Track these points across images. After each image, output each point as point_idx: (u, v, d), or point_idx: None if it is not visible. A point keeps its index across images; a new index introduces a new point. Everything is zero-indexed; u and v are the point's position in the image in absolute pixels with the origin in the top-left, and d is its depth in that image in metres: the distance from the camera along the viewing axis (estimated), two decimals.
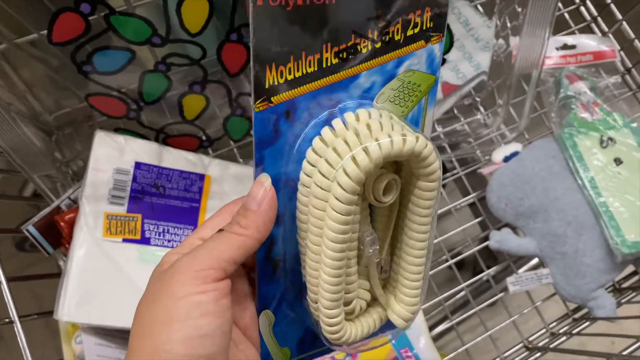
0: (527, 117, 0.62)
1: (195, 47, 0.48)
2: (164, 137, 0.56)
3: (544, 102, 0.65)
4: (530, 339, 0.60)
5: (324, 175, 0.26)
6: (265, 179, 0.27)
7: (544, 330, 0.61)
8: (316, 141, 0.27)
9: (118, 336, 0.50)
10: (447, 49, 0.55)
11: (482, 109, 0.67)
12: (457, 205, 0.67)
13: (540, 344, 0.59)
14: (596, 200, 0.57)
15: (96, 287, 0.48)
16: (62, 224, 0.52)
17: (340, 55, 0.27)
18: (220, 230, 0.27)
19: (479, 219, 0.65)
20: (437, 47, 0.29)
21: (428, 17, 0.28)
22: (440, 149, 0.66)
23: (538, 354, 0.57)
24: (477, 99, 0.66)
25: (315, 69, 0.26)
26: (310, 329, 0.32)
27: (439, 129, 0.66)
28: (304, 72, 0.26)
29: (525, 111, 0.62)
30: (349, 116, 0.27)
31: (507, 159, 0.60)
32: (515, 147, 0.61)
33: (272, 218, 0.27)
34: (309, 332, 0.33)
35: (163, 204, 0.53)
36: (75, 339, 0.49)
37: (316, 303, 0.29)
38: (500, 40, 0.61)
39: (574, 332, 0.58)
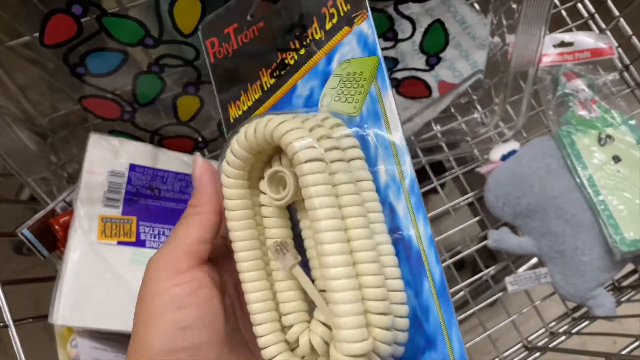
0: (525, 115, 0.62)
1: (189, 48, 0.47)
2: (159, 139, 0.56)
3: (542, 100, 0.65)
4: (530, 338, 0.60)
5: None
6: (198, 157, 0.29)
7: (543, 330, 0.60)
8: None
9: (114, 339, 0.50)
10: (442, 47, 0.55)
11: (479, 107, 0.66)
12: (456, 205, 0.66)
13: (540, 344, 0.59)
14: (595, 198, 0.56)
15: (91, 290, 0.48)
16: (56, 227, 0.52)
17: (274, 74, 0.29)
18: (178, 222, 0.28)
19: (477, 218, 0.65)
20: (364, 26, 0.26)
21: (342, 1, 0.26)
22: (438, 148, 0.66)
23: (537, 354, 0.57)
24: (474, 98, 0.66)
25: (260, 93, 0.29)
26: None
27: (437, 127, 0.66)
28: (253, 99, 0.29)
29: (522, 109, 0.62)
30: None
31: (504, 158, 0.60)
32: (513, 145, 0.60)
33: (217, 190, 0.28)
34: None
35: (158, 206, 0.53)
36: (71, 343, 0.49)
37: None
38: (496, 38, 0.60)
39: (573, 331, 0.57)
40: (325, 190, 0.24)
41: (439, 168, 0.69)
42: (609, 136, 0.60)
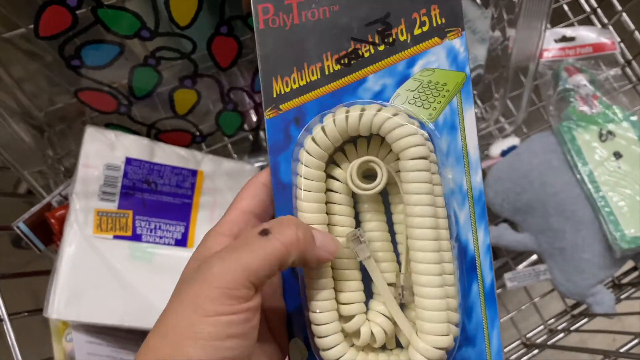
0: (525, 111, 0.61)
1: (185, 41, 0.47)
2: (155, 133, 0.56)
3: (543, 95, 0.64)
4: (528, 335, 0.60)
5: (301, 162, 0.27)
6: (338, 244, 0.26)
7: (542, 327, 0.60)
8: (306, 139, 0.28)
9: (109, 334, 0.50)
10: None
11: (479, 102, 0.66)
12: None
13: (539, 341, 0.58)
14: (595, 194, 0.56)
15: (86, 284, 0.48)
16: (52, 220, 0.52)
17: (342, 62, 0.28)
18: (264, 231, 0.24)
19: None
20: (457, 42, 0.28)
21: (437, 13, 0.28)
22: None
23: (536, 351, 0.56)
24: (474, 93, 0.65)
25: (319, 76, 0.28)
26: None
27: None
28: (308, 80, 0.28)
29: (522, 104, 0.61)
30: (341, 110, 0.27)
31: (504, 153, 0.59)
32: (513, 141, 0.60)
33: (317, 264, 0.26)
34: None
35: (155, 200, 0.53)
36: (66, 337, 0.48)
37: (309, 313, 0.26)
38: (497, 33, 0.60)
39: (572, 328, 0.57)
40: (427, 188, 0.26)
41: None
42: (610, 132, 0.59)
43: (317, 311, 0.26)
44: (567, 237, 0.56)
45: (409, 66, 0.28)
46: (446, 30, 0.28)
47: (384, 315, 0.27)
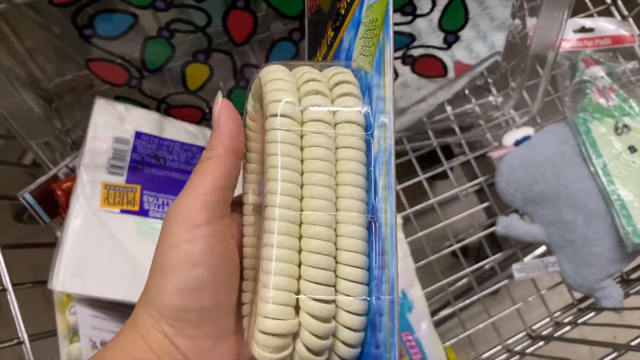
0: (541, 101, 0.60)
1: (200, 13, 0.46)
2: (165, 108, 0.55)
3: (559, 86, 0.63)
4: (534, 327, 0.59)
5: None
6: (218, 97, 0.27)
7: (548, 319, 0.60)
8: None
9: (113, 308, 0.49)
10: (461, 25, 0.53)
11: (494, 90, 0.65)
12: (464, 192, 0.65)
13: (544, 333, 0.58)
14: (608, 188, 0.55)
15: (92, 257, 0.47)
16: (59, 192, 0.51)
17: (334, 26, 0.27)
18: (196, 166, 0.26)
19: (485, 205, 0.64)
20: None
21: None
22: (450, 131, 0.65)
23: (541, 343, 0.56)
24: (490, 81, 0.64)
25: (325, 49, 0.28)
26: None
27: (449, 109, 0.64)
28: (322, 55, 0.28)
29: (538, 94, 0.60)
30: None
31: (518, 143, 0.58)
32: (527, 131, 0.59)
33: (235, 129, 0.26)
34: None
35: (163, 175, 0.52)
36: (70, 310, 0.48)
37: None
38: (517, 21, 0.59)
39: (579, 322, 0.57)
40: (286, 149, 0.22)
41: (448, 153, 0.67)
42: (625, 126, 0.59)
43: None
44: (578, 229, 0.55)
45: (360, 10, 0.24)
46: None
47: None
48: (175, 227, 0.24)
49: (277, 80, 0.23)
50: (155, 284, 0.24)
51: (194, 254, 0.23)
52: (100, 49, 0.48)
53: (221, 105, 0.26)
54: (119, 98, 0.53)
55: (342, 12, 0.25)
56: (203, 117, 0.57)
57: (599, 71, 0.61)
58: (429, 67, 0.57)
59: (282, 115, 0.22)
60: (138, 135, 0.51)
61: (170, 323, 0.24)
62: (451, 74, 0.59)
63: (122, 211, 0.50)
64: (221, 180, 0.24)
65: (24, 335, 0.45)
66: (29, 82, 0.53)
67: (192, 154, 0.53)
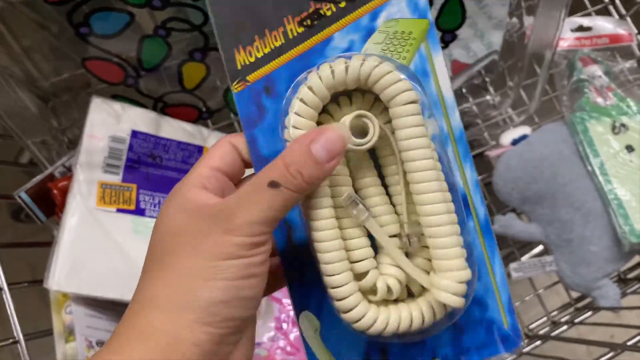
0: (538, 100, 0.60)
1: (197, 12, 0.46)
2: (162, 106, 0.55)
3: (556, 85, 0.63)
4: (531, 326, 0.59)
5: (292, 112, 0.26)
6: (344, 130, 0.25)
7: (545, 319, 0.60)
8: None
9: (109, 307, 0.49)
10: (458, 24, 0.53)
11: (491, 89, 0.65)
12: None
13: (541, 332, 0.58)
14: (605, 187, 0.55)
15: (88, 256, 0.47)
16: (55, 191, 0.51)
17: (305, 24, 0.27)
18: (273, 184, 0.24)
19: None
20: None
21: None
22: None
23: (538, 342, 0.56)
24: (487, 79, 0.64)
25: (283, 41, 0.27)
26: (377, 344, 0.27)
27: None
28: (272, 47, 0.27)
29: (536, 94, 0.60)
30: (327, 62, 0.27)
31: (515, 142, 0.58)
32: (525, 130, 0.59)
33: (330, 174, 0.25)
34: (376, 348, 0.27)
35: (159, 174, 0.52)
36: (66, 309, 0.48)
37: (324, 277, 0.26)
38: (514, 19, 0.59)
39: (576, 321, 0.57)
40: (422, 131, 0.25)
41: None
42: (623, 125, 0.59)
43: (332, 274, 0.25)
44: (576, 228, 0.55)
45: (372, 19, 0.27)
46: None
47: (395, 266, 0.27)
48: (237, 241, 0.23)
49: (394, 72, 0.25)
50: (203, 292, 0.23)
51: (253, 267, 0.24)
52: (97, 47, 0.48)
53: (342, 147, 0.25)
54: (115, 97, 0.53)
55: (328, 13, 0.27)
56: (200, 116, 0.57)
57: (596, 70, 0.61)
58: None
59: (414, 102, 0.26)
60: (134, 134, 0.51)
61: (206, 328, 0.23)
62: (448, 73, 0.58)
63: (118, 210, 0.50)
64: (286, 213, 0.25)
65: (19, 334, 0.45)
66: (25, 81, 0.53)
67: (189, 153, 0.53)
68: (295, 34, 0.27)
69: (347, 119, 0.26)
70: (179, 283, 0.23)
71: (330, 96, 0.26)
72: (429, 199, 0.25)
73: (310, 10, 0.27)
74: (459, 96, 0.64)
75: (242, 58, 0.27)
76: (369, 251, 0.27)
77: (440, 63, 0.28)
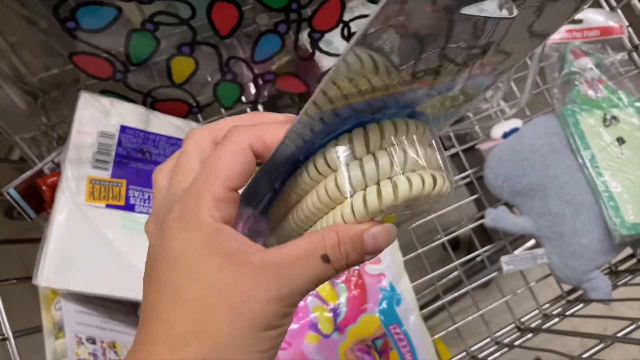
0: (529, 93, 0.60)
1: (185, 6, 0.45)
2: (151, 101, 0.54)
3: (547, 77, 0.63)
4: (523, 319, 0.59)
5: (331, 198, 0.24)
6: (394, 234, 0.24)
7: (536, 312, 0.60)
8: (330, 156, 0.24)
9: (99, 304, 0.49)
10: None
11: None
12: (454, 184, 0.65)
13: (533, 325, 0.58)
14: (596, 179, 0.55)
15: (77, 252, 0.47)
16: (44, 187, 0.51)
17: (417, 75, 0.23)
18: (325, 257, 0.22)
19: (474, 197, 0.63)
20: None
21: None
22: None
23: (530, 335, 0.56)
24: None
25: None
26: None
27: None
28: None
29: (527, 86, 0.60)
30: (376, 132, 0.23)
31: (506, 135, 0.58)
32: (515, 123, 0.59)
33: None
34: None
35: (149, 170, 0.52)
36: (55, 306, 0.48)
37: None
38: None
39: (567, 313, 0.57)
40: None
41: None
42: (614, 117, 0.59)
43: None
44: (567, 221, 0.55)
45: None
46: None
47: None
48: (271, 300, 0.22)
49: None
50: (222, 321, 0.21)
51: (280, 337, 0.23)
52: (84, 42, 0.47)
53: (383, 249, 0.24)
54: (104, 92, 0.53)
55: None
56: (189, 111, 0.57)
57: (587, 63, 0.61)
58: None
59: None
60: (123, 129, 0.50)
61: None
62: None
63: (108, 206, 0.49)
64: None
65: (8, 331, 0.45)
66: (13, 78, 0.52)
67: (178, 148, 0.53)
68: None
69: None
70: (216, 351, 0.21)
71: None
72: None
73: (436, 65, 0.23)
74: None
75: None
76: None
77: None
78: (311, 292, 0.30)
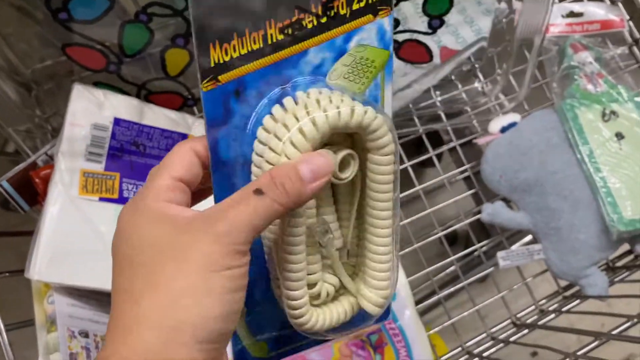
0: (528, 87, 0.59)
1: None
2: (146, 94, 0.54)
3: (546, 71, 0.62)
4: (519, 315, 0.59)
5: (274, 151, 0.26)
6: (333, 159, 0.26)
7: (532, 307, 0.59)
8: (266, 119, 0.27)
9: (92, 297, 0.49)
10: (446, 9, 0.52)
11: (481, 76, 0.64)
12: (452, 179, 0.65)
13: (529, 321, 0.58)
14: (594, 175, 0.55)
15: (70, 246, 0.47)
16: (37, 180, 0.50)
17: (285, 32, 0.26)
18: (258, 191, 0.24)
19: (472, 191, 0.63)
20: (386, 22, 0.28)
21: None
22: (436, 117, 0.64)
23: (526, 331, 0.56)
24: (476, 66, 0.64)
25: (261, 45, 0.26)
26: (287, 323, 0.30)
27: (436, 95, 0.64)
28: (250, 49, 0.26)
29: (525, 80, 0.59)
30: (300, 94, 0.27)
31: (504, 130, 0.58)
32: (514, 117, 0.58)
33: (312, 197, 0.26)
34: (287, 326, 0.30)
35: (143, 163, 0.51)
36: (48, 299, 0.47)
37: (279, 285, 0.28)
38: (503, 4, 0.58)
39: (563, 309, 0.56)
40: (391, 179, 0.28)
41: (436, 140, 0.67)
42: (613, 112, 0.58)
43: (294, 290, 0.27)
44: (564, 217, 0.55)
45: (345, 41, 0.28)
46: (378, 8, 0.28)
47: (334, 275, 0.30)
48: (223, 252, 0.23)
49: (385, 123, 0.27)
50: (194, 307, 0.23)
51: (239, 279, 0.24)
52: (77, 33, 0.47)
53: (328, 172, 0.26)
54: (98, 84, 0.52)
55: (309, 26, 0.27)
56: (184, 104, 0.56)
57: (587, 57, 0.60)
58: (413, 53, 0.56)
59: (393, 154, 0.28)
60: (117, 121, 0.50)
61: (194, 351, 0.23)
62: (437, 59, 0.58)
63: (101, 199, 0.49)
64: (268, 224, 0.25)
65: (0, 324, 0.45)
66: (6, 69, 0.52)
67: (173, 140, 0.52)
68: (275, 39, 0.26)
69: (339, 154, 0.27)
70: (171, 301, 0.22)
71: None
72: (381, 233, 0.29)
73: (294, 18, 0.26)
74: (448, 83, 0.64)
75: (216, 55, 0.25)
76: (321, 266, 0.29)
77: (388, 93, 0.30)
78: None
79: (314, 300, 0.29)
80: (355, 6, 0.27)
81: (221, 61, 0.25)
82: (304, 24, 0.26)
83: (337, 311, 0.30)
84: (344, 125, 0.26)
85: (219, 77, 0.25)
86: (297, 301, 0.28)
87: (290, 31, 0.26)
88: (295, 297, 0.27)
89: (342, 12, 0.27)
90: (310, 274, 0.29)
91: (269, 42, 0.26)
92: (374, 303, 0.30)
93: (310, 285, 0.29)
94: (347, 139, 0.29)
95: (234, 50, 0.25)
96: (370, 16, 0.28)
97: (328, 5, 0.27)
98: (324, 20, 0.27)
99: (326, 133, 0.25)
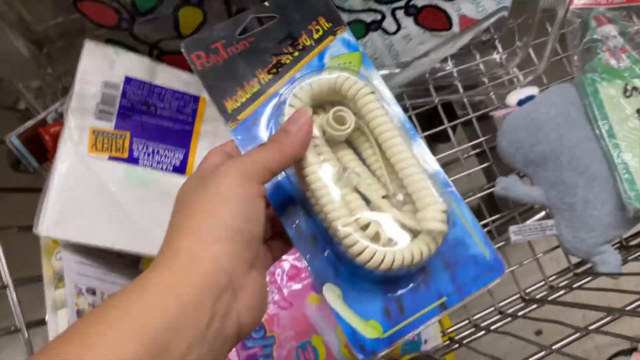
0: (547, 60, 0.58)
1: None
2: (158, 53, 0.53)
3: (568, 44, 0.61)
4: (528, 290, 0.58)
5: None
6: (308, 110, 0.32)
7: (542, 283, 0.59)
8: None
9: (99, 255, 0.49)
10: None
11: (499, 47, 0.62)
12: (464, 153, 0.63)
13: (538, 297, 0.57)
14: (612, 151, 0.53)
15: (78, 203, 0.46)
16: (46, 137, 0.50)
17: (272, 72, 0.35)
18: (261, 144, 0.31)
19: (484, 165, 0.62)
20: (346, 35, 0.37)
21: (324, 21, 0.37)
22: (453, 88, 0.63)
23: (534, 306, 0.55)
24: (496, 37, 0.62)
25: (258, 87, 0.35)
26: (393, 297, 0.31)
27: (452, 64, 0.62)
28: (252, 92, 0.35)
29: (545, 53, 0.58)
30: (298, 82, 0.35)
31: (521, 103, 0.56)
32: (532, 90, 0.57)
33: (306, 142, 0.31)
34: (392, 300, 0.31)
35: (153, 123, 0.51)
36: (56, 256, 0.47)
37: (334, 236, 0.30)
38: None
39: (574, 286, 0.56)
40: (385, 111, 0.33)
41: (450, 114, 0.65)
42: (635, 88, 0.56)
43: (342, 226, 0.30)
44: (579, 192, 0.53)
45: (320, 59, 0.36)
46: (335, 29, 0.36)
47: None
48: (233, 181, 0.28)
49: (352, 77, 0.34)
50: (213, 210, 0.28)
51: (251, 196, 0.28)
52: None
53: (308, 120, 0.31)
54: (109, 42, 0.52)
55: (287, 61, 0.36)
56: None
57: (611, 30, 0.59)
58: (432, 19, 0.54)
59: (372, 93, 0.34)
60: (128, 80, 0.49)
61: (224, 243, 0.27)
62: (456, 28, 0.56)
63: (110, 158, 0.49)
64: (277, 167, 0.30)
65: (8, 279, 0.45)
66: (18, 25, 0.51)
67: (184, 102, 0.52)
68: (266, 80, 0.35)
69: (330, 113, 0.33)
70: (206, 212, 0.28)
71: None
72: (404, 157, 0.32)
73: (274, 62, 0.35)
74: (466, 53, 0.62)
75: (231, 105, 0.34)
76: (366, 208, 0.32)
77: (378, 79, 0.36)
78: None
79: (375, 241, 0.30)
80: (315, 36, 0.36)
81: (235, 107, 0.34)
82: (283, 62, 0.35)
83: (409, 249, 0.30)
84: (327, 90, 0.33)
85: (238, 117, 0.34)
86: (350, 237, 0.29)
87: (275, 70, 0.35)
88: (345, 233, 0.30)
89: (307, 43, 0.36)
90: (355, 216, 0.31)
91: (263, 83, 0.35)
92: (436, 219, 0.30)
93: (364, 227, 0.31)
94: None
95: (242, 97, 0.34)
96: (331, 37, 0.36)
97: (294, 44, 0.36)
98: (296, 54, 0.36)
99: (315, 95, 0.33)
